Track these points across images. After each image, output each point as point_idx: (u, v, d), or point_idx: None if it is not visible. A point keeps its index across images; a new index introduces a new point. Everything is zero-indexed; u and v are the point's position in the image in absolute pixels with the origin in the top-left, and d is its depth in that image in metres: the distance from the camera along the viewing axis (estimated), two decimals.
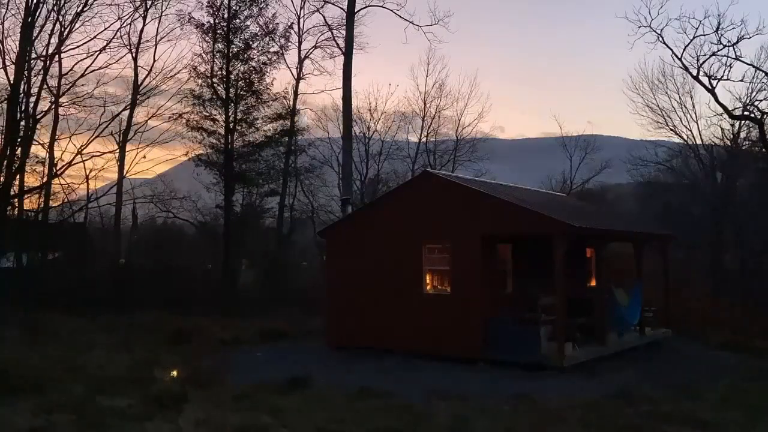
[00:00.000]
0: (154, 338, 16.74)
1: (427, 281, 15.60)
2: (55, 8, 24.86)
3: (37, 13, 24.42)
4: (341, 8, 28.41)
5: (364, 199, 30.44)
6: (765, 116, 24.26)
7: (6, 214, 24.32)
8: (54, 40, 25.14)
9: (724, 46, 21.84)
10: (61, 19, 25.05)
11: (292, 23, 32.44)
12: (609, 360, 14.59)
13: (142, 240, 31.67)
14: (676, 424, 9.37)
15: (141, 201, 29.43)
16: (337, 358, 15.40)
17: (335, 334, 16.70)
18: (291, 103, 30.11)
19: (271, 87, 28.70)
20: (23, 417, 9.05)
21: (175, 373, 12.48)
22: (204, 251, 31.39)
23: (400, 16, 29.40)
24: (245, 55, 28.11)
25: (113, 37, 27.68)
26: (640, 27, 23.22)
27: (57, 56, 25.67)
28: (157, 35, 29.02)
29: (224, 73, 27.63)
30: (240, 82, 28.02)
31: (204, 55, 28.02)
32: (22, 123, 24.45)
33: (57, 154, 26.63)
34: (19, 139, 24.13)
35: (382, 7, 28.54)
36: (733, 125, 29.67)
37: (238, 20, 28.12)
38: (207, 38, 28.03)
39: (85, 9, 25.36)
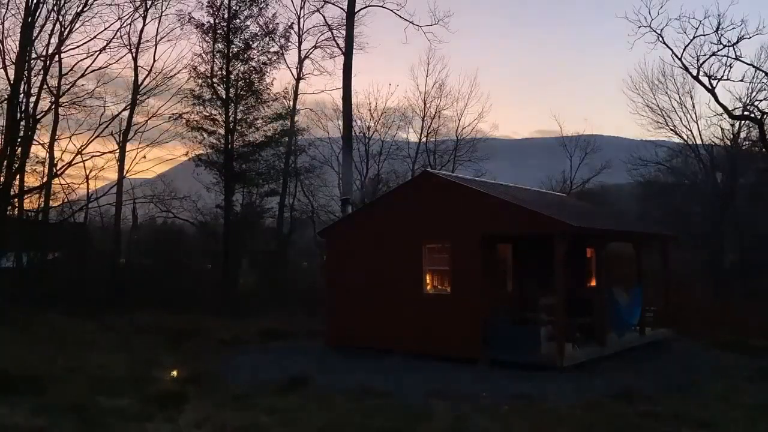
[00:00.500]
0: (154, 338, 16.75)
1: (427, 281, 15.59)
2: (55, 8, 24.89)
3: (37, 13, 24.45)
4: (341, 8, 28.46)
5: (364, 199, 30.44)
6: (765, 116, 24.28)
7: (6, 214, 24.32)
8: (54, 40, 25.17)
9: (724, 46, 21.89)
10: (61, 19, 25.08)
11: (292, 23, 32.53)
12: (609, 360, 14.59)
13: (142, 240, 31.66)
14: (676, 424, 9.37)
15: (141, 201, 29.41)
16: (337, 358, 15.40)
17: (335, 334, 16.70)
18: (291, 103, 30.13)
19: (271, 87, 28.75)
20: (23, 417, 9.05)
21: (175, 373, 12.48)
22: (204, 251, 31.39)
23: (400, 16, 29.42)
24: (245, 55, 28.12)
25: (113, 37, 27.74)
26: (640, 27, 23.27)
27: (57, 56, 25.69)
28: (157, 35, 29.04)
29: (224, 73, 27.64)
30: (240, 82, 28.03)
31: (204, 55, 28.05)
32: (22, 123, 24.46)
33: (57, 154, 26.67)
34: (19, 139, 24.14)
35: (382, 7, 28.57)
36: (733, 125, 29.72)
37: (238, 20, 28.15)
38: (207, 38, 28.06)
39: (85, 9, 25.38)
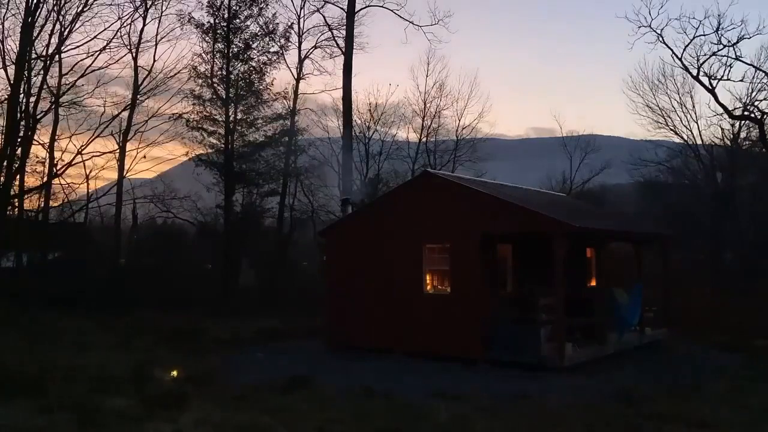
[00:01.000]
0: (154, 338, 16.74)
1: (427, 281, 15.59)
2: (55, 8, 24.91)
3: (37, 13, 24.46)
4: (341, 8, 28.45)
5: (364, 199, 30.44)
6: (765, 116, 24.30)
7: (6, 214, 24.33)
8: (54, 40, 25.19)
9: (724, 46, 21.92)
10: (61, 19, 25.09)
11: (292, 23, 32.44)
12: (609, 360, 14.59)
13: (142, 240, 31.67)
14: (676, 424, 9.36)
15: (141, 201, 29.43)
16: (337, 358, 15.40)
17: (335, 334, 16.70)
18: (291, 103, 30.13)
19: (271, 87, 28.75)
20: (23, 417, 9.05)
21: (175, 373, 12.48)
22: (204, 251, 31.39)
23: (400, 16, 29.44)
24: (245, 55, 28.13)
25: (113, 37, 27.72)
26: (640, 27, 23.31)
27: (57, 56, 25.70)
28: (157, 35, 29.01)
29: (224, 73, 27.65)
30: (240, 82, 28.04)
31: (204, 55, 28.07)
32: (22, 123, 24.47)
33: (57, 154, 26.71)
34: (19, 139, 24.15)
35: (382, 7, 28.58)
36: (733, 125, 29.72)
37: (238, 20, 28.16)
38: (207, 38, 28.08)
39: (85, 9, 25.40)
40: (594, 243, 17.80)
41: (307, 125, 32.62)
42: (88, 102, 26.65)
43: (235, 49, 27.94)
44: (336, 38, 29.48)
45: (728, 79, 23.50)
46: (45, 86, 25.34)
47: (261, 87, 28.34)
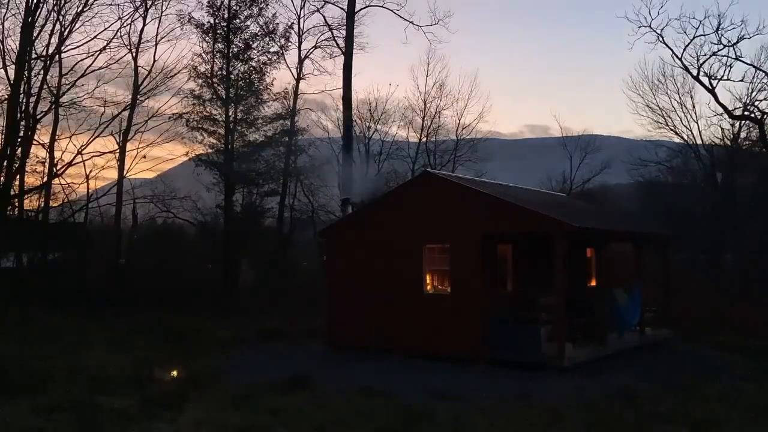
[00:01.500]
0: (154, 338, 16.74)
1: (427, 281, 15.59)
2: (55, 8, 24.90)
3: (37, 13, 24.46)
4: (341, 8, 28.48)
5: (362, 199, 30.44)
6: (765, 116, 24.33)
7: (6, 214, 24.33)
8: (54, 40, 25.17)
9: (724, 46, 21.95)
10: (61, 19, 25.08)
11: (292, 23, 32.45)
12: (609, 360, 14.59)
13: (142, 240, 31.66)
14: (676, 424, 9.37)
15: (141, 201, 29.42)
16: (337, 358, 15.40)
17: (335, 334, 16.70)
18: (291, 103, 30.13)
19: (271, 87, 28.74)
20: (23, 417, 9.06)
21: (175, 373, 12.49)
22: (204, 251, 31.39)
23: (400, 16, 29.47)
24: (245, 55, 28.13)
25: (113, 37, 27.69)
26: (640, 27, 23.34)
27: (57, 56, 25.68)
28: (157, 35, 28.98)
29: (224, 73, 27.65)
30: (240, 82, 28.03)
31: (204, 55, 28.07)
32: (22, 123, 24.46)
33: (57, 154, 26.68)
34: (19, 139, 24.15)
35: (382, 7, 28.62)
36: (733, 125, 29.71)
37: (238, 20, 28.16)
38: (207, 38, 28.07)
39: (85, 9, 25.38)
40: (594, 243, 17.79)
41: (307, 125, 32.65)
42: (88, 102, 26.64)
43: (235, 49, 27.95)
44: (336, 38, 29.53)
45: (728, 79, 23.57)
46: (45, 86, 25.35)
47: (261, 87, 28.37)
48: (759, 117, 24.62)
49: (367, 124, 33.79)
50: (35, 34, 24.68)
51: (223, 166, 27.81)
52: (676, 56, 23.52)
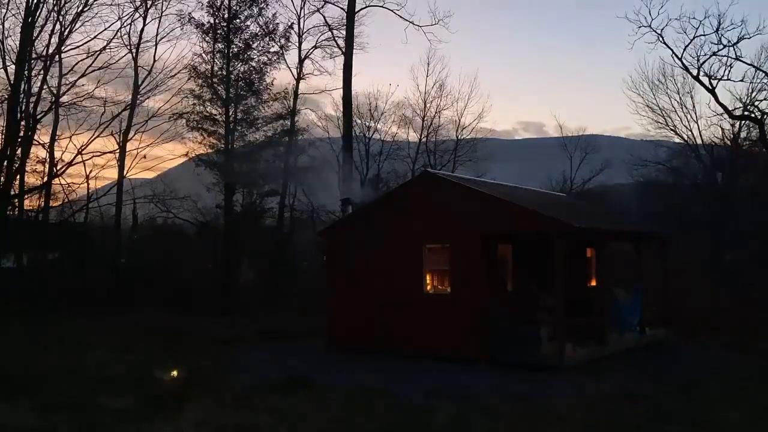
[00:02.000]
0: (154, 338, 16.75)
1: (427, 281, 15.59)
2: (55, 8, 24.90)
3: (37, 13, 24.47)
4: (341, 8, 28.48)
5: (363, 200, 30.44)
6: (765, 116, 24.30)
7: (6, 214, 24.34)
8: (54, 40, 25.17)
9: (725, 46, 21.90)
10: (61, 19, 25.08)
11: (292, 23, 32.42)
12: (609, 360, 14.59)
13: (142, 240, 31.65)
14: (676, 424, 9.37)
15: (141, 201, 29.41)
16: (337, 358, 15.41)
17: (335, 334, 16.70)
18: (291, 103, 30.13)
19: (271, 87, 28.73)
20: (23, 417, 9.06)
21: (175, 372, 12.47)
22: (204, 251, 31.38)
23: (400, 16, 29.50)
24: (245, 55, 28.11)
25: (113, 37, 27.69)
26: (640, 27, 23.26)
27: (57, 56, 25.66)
28: (157, 35, 28.99)
29: (224, 73, 27.63)
30: (240, 82, 28.01)
31: (204, 55, 28.03)
32: (22, 123, 24.46)
33: (57, 154, 26.71)
34: (19, 139, 24.15)
35: (382, 7, 28.63)
36: (733, 125, 29.67)
37: (238, 20, 28.13)
38: (207, 38, 28.04)
39: (85, 9, 25.39)
40: (594, 243, 17.79)
41: (307, 125, 32.65)
42: (88, 102, 26.62)
43: (235, 49, 27.92)
44: (336, 38, 29.52)
45: (728, 79, 23.50)
46: (45, 86, 25.36)
47: (261, 87, 28.34)
48: (759, 117, 24.59)
49: (367, 124, 33.82)
50: (35, 34, 24.71)
51: (223, 166, 27.80)
52: (676, 56, 23.47)
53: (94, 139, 26.35)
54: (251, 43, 28.18)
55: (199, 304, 23.01)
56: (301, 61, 30.67)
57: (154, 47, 28.76)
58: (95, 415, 9.22)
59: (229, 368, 13.55)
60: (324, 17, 30.31)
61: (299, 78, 30.62)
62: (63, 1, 24.92)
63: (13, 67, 24.11)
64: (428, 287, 15.57)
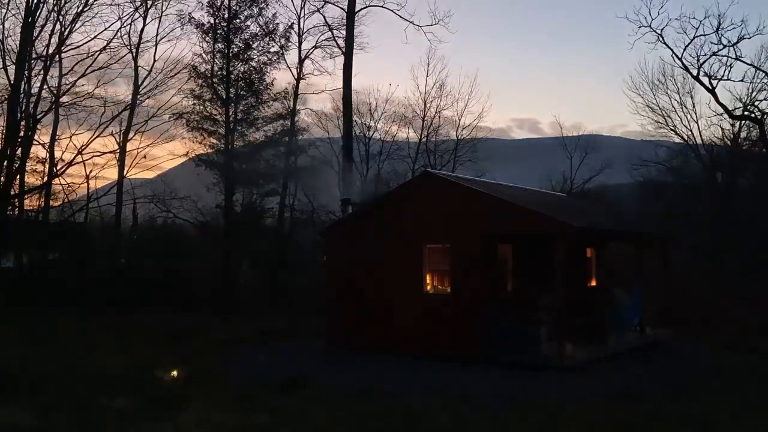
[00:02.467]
0: (154, 338, 16.75)
1: (427, 281, 15.59)
2: (55, 8, 24.90)
3: (37, 13, 24.46)
4: (341, 8, 28.48)
5: (363, 199, 30.44)
6: (765, 116, 24.34)
7: (6, 214, 24.34)
8: (54, 40, 25.17)
9: (725, 46, 21.97)
10: (61, 19, 25.08)
11: (293, 23, 32.36)
12: (609, 360, 14.59)
13: (142, 240, 31.64)
14: (676, 424, 9.37)
15: (141, 201, 29.40)
16: (337, 358, 15.41)
17: (335, 334, 16.70)
18: (291, 103, 30.13)
19: (271, 87, 28.73)
20: (23, 417, 9.06)
21: (175, 373, 12.48)
22: (204, 251, 31.37)
23: (401, 16, 29.52)
24: (245, 55, 28.10)
25: (113, 37, 27.68)
26: (640, 27, 23.33)
27: (57, 56, 25.67)
28: (157, 35, 28.99)
29: (224, 73, 27.63)
30: (240, 82, 28.01)
31: (204, 55, 28.01)
32: (22, 123, 24.46)
33: (57, 154, 26.72)
34: (19, 139, 24.15)
35: (382, 7, 28.63)
36: (733, 125, 29.71)
37: (238, 20, 28.12)
38: (207, 38, 28.02)
39: (85, 9, 25.39)
40: (594, 243, 17.79)
41: (307, 125, 32.65)
42: (88, 102, 26.63)
43: (235, 49, 27.92)
44: (336, 38, 29.51)
45: (728, 79, 23.61)
46: (45, 86, 25.37)
47: (261, 87, 28.33)
48: (759, 117, 24.64)
49: (367, 124, 33.81)
50: (35, 34, 24.70)
51: (223, 166, 27.81)
52: (676, 56, 23.58)
53: (94, 139, 26.37)
54: (251, 43, 28.18)
55: (199, 304, 23.01)
56: (301, 61, 30.69)
57: (154, 47, 28.80)
58: (96, 415, 9.22)
59: (229, 368, 13.54)
60: (324, 17, 30.35)
61: (299, 78, 30.64)
62: (63, 1, 24.94)
63: (13, 67, 24.13)
64: (428, 287, 15.56)
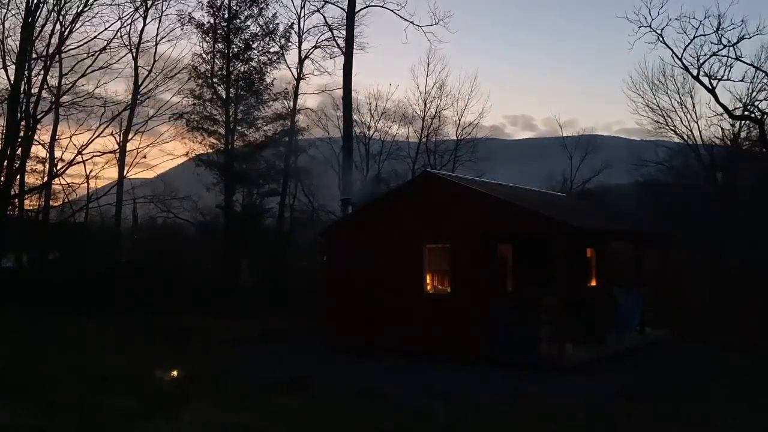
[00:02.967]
0: (154, 338, 16.75)
1: (427, 281, 15.59)
2: (55, 8, 24.85)
3: (38, 13, 24.42)
4: (341, 8, 28.45)
5: (364, 199, 30.43)
6: (765, 116, 24.28)
7: (6, 214, 24.33)
8: (54, 40, 25.12)
9: (725, 46, 21.86)
10: (61, 19, 25.04)
11: (293, 23, 32.45)
12: (609, 360, 14.60)
13: (143, 240, 31.65)
14: (676, 424, 9.37)
15: (141, 201, 29.44)
16: (337, 358, 15.40)
17: (335, 334, 16.70)
18: (291, 103, 30.15)
19: (271, 87, 28.74)
20: (23, 417, 9.06)
21: (175, 373, 12.48)
22: (204, 251, 31.38)
23: (401, 16, 29.54)
24: (245, 55, 28.12)
25: (113, 37, 27.62)
26: (640, 27, 23.20)
27: (57, 56, 25.65)
28: (157, 35, 28.97)
29: (224, 73, 27.65)
30: (240, 82, 28.03)
31: (204, 55, 28.04)
32: (22, 123, 24.46)
33: (57, 154, 26.72)
34: (19, 139, 24.14)
35: (382, 7, 28.60)
36: (733, 125, 29.65)
37: (238, 20, 28.14)
38: (207, 38, 28.04)
39: (85, 9, 25.33)
40: (594, 243, 17.79)
41: (307, 125, 32.65)
42: (88, 102, 26.61)
43: (236, 49, 27.94)
44: (336, 38, 29.50)
45: (728, 79, 23.45)
46: (45, 86, 25.33)
47: (261, 87, 28.35)
48: (759, 117, 24.57)
49: (367, 123, 33.82)
50: (35, 34, 24.67)
51: (223, 166, 27.83)
52: (676, 56, 23.41)
53: (94, 139, 26.32)
54: (251, 43, 28.20)
55: (199, 304, 23.00)
56: (301, 61, 30.69)
57: (154, 47, 28.79)
58: (96, 415, 9.22)
59: (229, 368, 13.54)
60: (324, 17, 30.37)
61: (299, 78, 30.64)
62: (63, 1, 24.90)
63: (13, 67, 24.11)
64: (428, 287, 15.57)
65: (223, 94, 27.68)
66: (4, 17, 24.60)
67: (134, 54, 28.06)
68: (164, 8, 32.42)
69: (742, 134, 30.11)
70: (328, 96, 35.56)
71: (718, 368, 14.19)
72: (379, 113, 34.00)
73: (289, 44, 30.12)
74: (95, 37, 30.49)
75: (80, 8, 25.23)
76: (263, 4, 28.32)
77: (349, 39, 27.22)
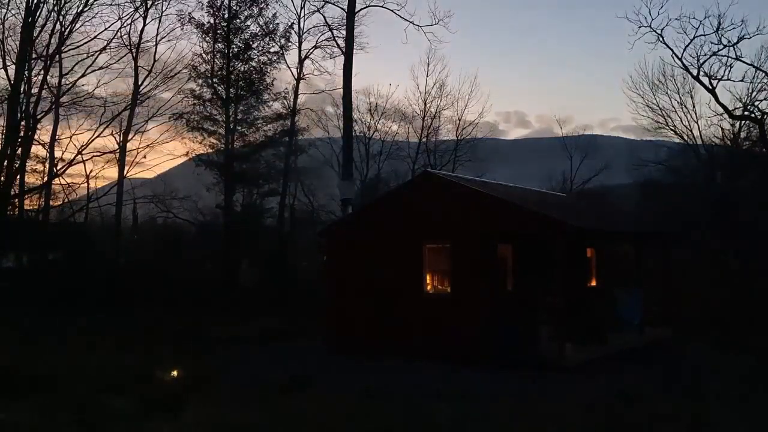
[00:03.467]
0: (154, 338, 16.75)
1: (427, 281, 15.59)
2: (55, 8, 24.90)
3: (38, 13, 24.47)
4: (341, 8, 28.50)
5: (364, 199, 30.46)
6: (765, 116, 24.32)
7: (6, 214, 24.34)
8: (54, 40, 25.16)
9: (725, 46, 21.93)
10: (61, 19, 25.08)
11: (293, 23, 32.47)
12: (609, 360, 14.59)
13: (143, 240, 31.66)
14: (676, 424, 9.36)
15: (141, 201, 29.45)
16: (337, 358, 15.40)
17: (335, 334, 16.68)
18: (291, 103, 30.16)
19: (271, 87, 28.76)
20: (23, 417, 9.06)
21: (175, 373, 12.48)
22: (204, 251, 31.39)
23: (401, 16, 29.53)
24: (245, 55, 28.16)
25: (113, 37, 27.65)
26: (640, 27, 23.28)
27: (57, 56, 25.67)
28: (157, 35, 29.04)
29: (224, 73, 27.67)
30: (240, 82, 28.06)
31: (204, 55, 28.09)
32: (22, 123, 24.47)
33: (57, 154, 26.75)
34: (19, 139, 24.15)
35: (382, 7, 28.63)
36: (733, 125, 29.69)
37: (238, 20, 28.18)
38: (207, 38, 28.09)
39: (85, 9, 25.38)
40: (594, 243, 17.79)
41: (307, 125, 32.68)
42: (88, 102, 26.65)
43: (236, 49, 27.97)
44: (336, 38, 29.55)
45: (728, 79, 23.56)
46: (45, 86, 25.36)
47: (261, 87, 28.38)
48: (759, 117, 24.61)
49: (367, 123, 33.85)
50: (35, 34, 24.69)
51: (223, 166, 27.84)
52: (676, 56, 23.52)
53: (95, 139, 26.36)
54: (251, 43, 28.24)
55: (199, 304, 23.00)
56: (301, 61, 30.73)
57: (154, 47, 28.87)
58: (96, 415, 9.22)
59: (230, 368, 13.55)
60: (324, 17, 30.41)
61: (299, 78, 30.67)
62: (63, 1, 24.93)
63: (13, 67, 24.14)
64: (428, 287, 15.56)
65: (223, 94, 27.71)
66: (4, 17, 24.65)
67: (134, 54, 28.10)
68: (164, 8, 32.54)
69: (742, 134, 30.15)
70: (328, 96, 35.59)
71: (717, 368, 14.17)
72: (379, 113, 34.07)
73: (289, 44, 30.20)
74: (95, 37, 30.57)
75: (80, 8, 25.29)
76: (263, 4, 28.40)
77: (349, 39, 27.24)
